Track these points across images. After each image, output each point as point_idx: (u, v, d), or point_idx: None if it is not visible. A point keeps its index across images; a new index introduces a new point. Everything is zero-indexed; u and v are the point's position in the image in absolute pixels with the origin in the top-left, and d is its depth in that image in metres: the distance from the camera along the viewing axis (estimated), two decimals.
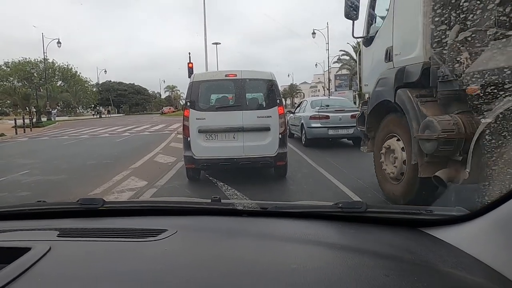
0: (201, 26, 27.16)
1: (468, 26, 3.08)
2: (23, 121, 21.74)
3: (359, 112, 5.47)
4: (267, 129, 5.34)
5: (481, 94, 2.76)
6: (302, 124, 9.94)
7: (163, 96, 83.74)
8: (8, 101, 32.85)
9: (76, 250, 0.93)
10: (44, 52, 30.86)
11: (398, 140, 4.04)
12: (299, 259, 0.84)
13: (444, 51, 3.28)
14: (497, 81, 2.55)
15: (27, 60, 53.60)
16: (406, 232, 1.03)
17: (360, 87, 5.51)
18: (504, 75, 2.50)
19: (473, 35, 3.02)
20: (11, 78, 51.39)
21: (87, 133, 18.59)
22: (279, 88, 5.95)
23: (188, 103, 5.44)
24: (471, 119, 3.03)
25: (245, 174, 5.86)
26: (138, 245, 0.94)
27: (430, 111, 3.44)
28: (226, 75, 5.61)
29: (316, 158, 7.62)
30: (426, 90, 3.64)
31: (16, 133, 19.12)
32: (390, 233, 1.03)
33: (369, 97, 4.91)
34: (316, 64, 48.23)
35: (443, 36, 3.33)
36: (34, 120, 25.47)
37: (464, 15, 3.13)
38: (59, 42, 30.32)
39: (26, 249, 0.85)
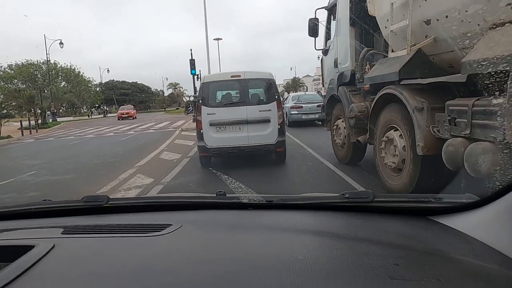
0: (203, 22, 27.15)
1: (371, 49, 5.20)
2: (29, 122, 21.89)
3: (323, 103, 7.93)
4: (267, 121, 6.20)
5: (372, 90, 4.74)
6: (286, 112, 13.48)
7: (166, 94, 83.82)
8: (14, 103, 33.09)
9: (80, 246, 0.93)
10: (47, 54, 31.05)
11: (342, 121, 6.02)
12: (305, 250, 0.84)
13: (358, 64, 5.33)
14: (379, 82, 4.36)
15: (30, 62, 53.78)
16: (414, 221, 1.01)
17: (323, 85, 7.70)
18: (383, 78, 4.22)
19: (371, 55, 5.10)
20: (16, 80, 51.74)
21: (92, 132, 18.69)
22: (277, 85, 7.01)
23: (200, 101, 6.31)
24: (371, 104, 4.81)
25: (249, 166, 6.38)
26: (143, 240, 0.93)
27: (357, 100, 5.32)
28: (231, 76, 6.41)
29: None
30: (355, 87, 5.54)
31: (22, 134, 19.28)
32: (399, 222, 1.01)
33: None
34: (318, 57, 47.91)
35: (358, 55, 5.33)
36: (40, 121, 25.67)
37: (368, 43, 5.42)
38: (61, 43, 30.43)
39: (30, 247, 0.85)
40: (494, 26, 2.69)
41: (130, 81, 71.45)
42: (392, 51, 4.20)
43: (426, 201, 1.03)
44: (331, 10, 6.48)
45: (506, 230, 0.80)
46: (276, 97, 6.37)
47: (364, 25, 5.26)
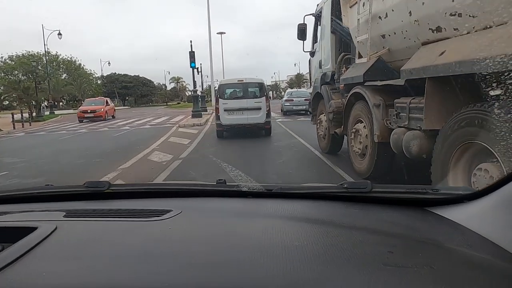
0: (207, 16, 26.13)
1: (347, 53, 5.98)
2: (21, 115, 21.02)
3: (310, 99, 9.54)
4: (259, 108, 9.86)
5: (346, 89, 5.45)
6: (282, 103, 20.24)
7: (168, 88, 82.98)
8: (14, 95, 32.42)
9: (82, 229, 0.95)
10: (44, 44, 30.22)
11: (324, 115, 6.74)
12: (302, 237, 0.86)
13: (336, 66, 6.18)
14: (351, 83, 5.16)
15: (31, 53, 53.20)
16: (411, 212, 1.02)
17: (310, 84, 8.55)
18: (353, 80, 5.02)
19: (346, 59, 5.93)
20: (16, 72, 51.10)
21: (86, 127, 17.85)
22: (266, 86, 11.18)
23: (218, 95, 10.27)
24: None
25: (248, 155, 7.69)
26: (143, 224, 0.95)
27: (336, 97, 6.15)
28: (238, 80, 10.35)
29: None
30: (335, 86, 6.35)
31: (14, 127, 18.40)
32: (395, 213, 1.02)
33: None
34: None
35: (337, 58, 6.19)
36: (34, 114, 24.80)
37: (346, 49, 6.10)
38: (59, 34, 29.58)
39: (33, 229, 0.86)
40: (425, 43, 3.50)
41: (132, 75, 70.56)
42: (360, 57, 5.02)
43: (423, 192, 1.04)
44: (318, 17, 7.27)
45: (500, 222, 0.81)
46: (265, 94, 10.28)
47: (342, 33, 5.99)
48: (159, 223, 0.94)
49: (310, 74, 8.61)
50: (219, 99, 10.05)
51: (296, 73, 73.92)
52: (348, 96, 5.20)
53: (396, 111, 3.83)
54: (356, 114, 5.05)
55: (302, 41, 7.60)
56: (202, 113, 18.66)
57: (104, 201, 1.21)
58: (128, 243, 0.84)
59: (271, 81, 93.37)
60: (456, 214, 0.93)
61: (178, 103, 60.47)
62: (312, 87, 8.02)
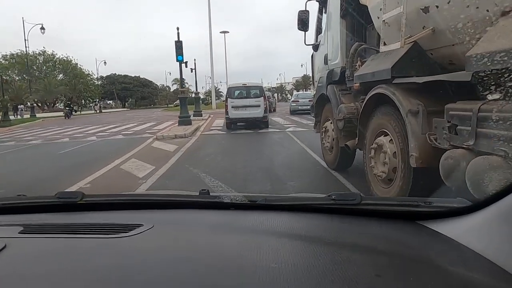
0: (212, 16, 23.51)
1: (362, 43, 4.67)
2: None
3: (312, 102, 7.09)
4: (259, 106, 13.17)
5: (362, 89, 4.15)
6: (290, 104, 23.72)
7: (172, 90, 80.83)
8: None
9: (36, 247, 0.88)
10: (25, 39, 27.85)
11: (331, 123, 5.51)
12: (282, 257, 0.78)
13: (348, 60, 4.79)
14: (370, 80, 3.76)
15: (24, 52, 51.40)
16: (403, 226, 0.98)
17: (313, 83, 7.16)
18: (374, 76, 3.66)
19: (362, 50, 4.58)
20: (9, 71, 49.17)
21: (48, 136, 14.80)
22: (264, 88, 15.33)
23: (227, 96, 13.76)
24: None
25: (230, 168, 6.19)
26: (106, 241, 0.89)
27: (346, 100, 4.85)
28: (242, 84, 14.05)
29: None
30: (345, 86, 5.06)
31: None
32: (386, 227, 0.98)
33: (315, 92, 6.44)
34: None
35: (349, 50, 4.74)
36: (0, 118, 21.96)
37: (360, 37, 4.89)
38: (42, 28, 27.22)
39: None
40: (508, 11, 2.23)
41: (133, 75, 68.34)
42: (385, 44, 3.69)
43: (415, 205, 1.00)
44: (323, 2, 5.99)
45: (496, 238, 0.77)
46: (263, 95, 13.60)
47: (356, 17, 4.77)
48: (124, 240, 0.88)
49: (313, 72, 7.14)
50: (228, 99, 13.38)
51: (302, 75, 71.00)
52: (366, 99, 3.91)
53: (449, 122, 2.56)
54: (378, 123, 3.75)
55: (303, 32, 6.35)
56: (195, 118, 15.96)
57: (74, 214, 1.15)
58: (82, 263, 0.77)
59: (276, 83, 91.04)
60: (450, 228, 0.89)
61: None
62: (315, 87, 6.61)
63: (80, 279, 0.69)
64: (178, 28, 14.39)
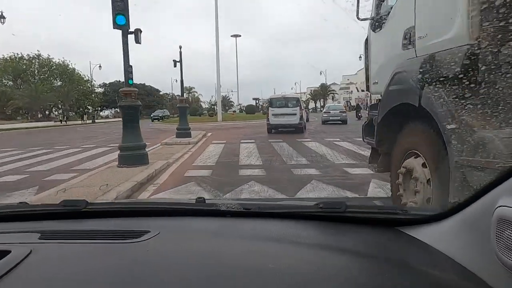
0: (224, 27, 19.49)
1: None
2: None
3: (366, 119, 4.31)
4: (295, 114, 16.11)
5: None
6: (321, 115, 26.79)
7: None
8: None
9: (58, 252, 0.91)
10: None
11: (420, 161, 2.78)
12: (274, 260, 0.83)
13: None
14: None
15: (19, 56, 47.67)
16: (383, 231, 1.03)
17: (367, 86, 4.27)
18: None
19: None
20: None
21: None
22: (300, 99, 19.30)
23: (269, 105, 17.61)
24: None
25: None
26: (120, 246, 0.93)
27: (479, 121, 2.08)
28: (282, 95, 18.82)
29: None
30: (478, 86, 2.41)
31: None
32: (367, 233, 1.03)
33: (379, 99, 3.69)
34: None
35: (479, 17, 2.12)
36: None
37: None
38: (2, 17, 22.71)
39: (6, 252, 0.82)
40: None
41: (138, 83, 64.17)
42: None
43: (394, 212, 1.08)
44: None
45: (462, 243, 0.82)
46: (299, 105, 16.66)
47: None
48: (136, 245, 0.91)
49: (368, 69, 4.26)
50: (269, 108, 16.68)
51: (319, 84, 66.07)
52: None
53: None
54: None
55: (356, 1, 3.79)
56: (176, 142, 10.81)
57: (80, 221, 1.17)
58: (105, 266, 0.82)
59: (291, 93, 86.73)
60: (424, 234, 0.95)
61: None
62: (371, 91, 4.15)
63: (101, 282, 0.73)
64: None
